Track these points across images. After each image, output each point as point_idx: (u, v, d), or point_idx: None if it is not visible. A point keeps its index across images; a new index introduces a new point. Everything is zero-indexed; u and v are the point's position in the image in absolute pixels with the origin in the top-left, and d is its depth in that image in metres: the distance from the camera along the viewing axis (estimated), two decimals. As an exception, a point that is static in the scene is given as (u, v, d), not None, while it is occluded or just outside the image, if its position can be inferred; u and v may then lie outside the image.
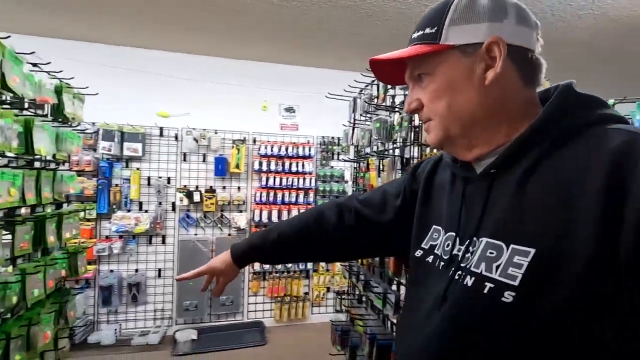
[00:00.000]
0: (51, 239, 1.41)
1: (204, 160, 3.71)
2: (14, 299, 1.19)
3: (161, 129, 3.61)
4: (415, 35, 0.57)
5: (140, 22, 3.03)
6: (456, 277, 0.54)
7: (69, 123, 1.66)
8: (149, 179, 3.56)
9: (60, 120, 1.58)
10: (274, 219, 3.72)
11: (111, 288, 3.39)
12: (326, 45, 3.40)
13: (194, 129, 3.61)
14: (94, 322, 3.40)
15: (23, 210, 1.46)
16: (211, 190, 3.69)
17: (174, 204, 3.62)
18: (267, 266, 3.73)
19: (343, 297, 2.41)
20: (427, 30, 0.55)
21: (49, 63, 1.47)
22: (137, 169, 3.51)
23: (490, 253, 0.50)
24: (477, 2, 0.53)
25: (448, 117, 0.55)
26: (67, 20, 3.00)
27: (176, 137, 3.64)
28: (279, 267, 3.79)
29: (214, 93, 3.76)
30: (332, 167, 4.04)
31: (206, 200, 3.63)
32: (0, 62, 1.08)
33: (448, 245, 0.58)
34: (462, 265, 0.54)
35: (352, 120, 2.41)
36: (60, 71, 1.56)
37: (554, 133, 0.49)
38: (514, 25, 0.52)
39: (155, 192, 3.56)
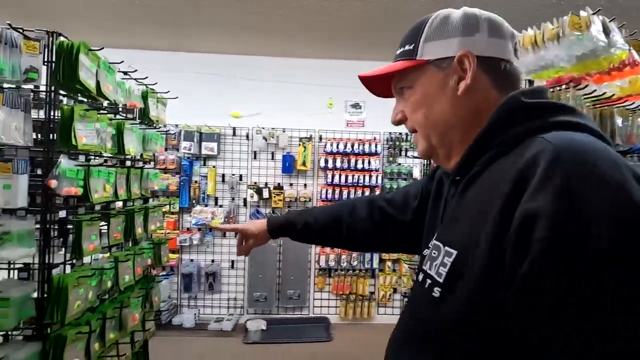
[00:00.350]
0: (139, 230, 1.57)
1: (272, 158, 3.85)
2: (109, 284, 1.35)
3: (234, 128, 3.81)
4: (397, 52, 0.61)
5: (213, 30, 3.23)
6: (420, 277, 0.58)
7: (154, 125, 1.82)
8: (223, 176, 3.80)
9: (146, 122, 1.74)
10: (340, 216, 3.72)
11: (191, 276, 3.69)
12: (394, 38, 3.28)
13: (263, 128, 3.76)
14: (177, 306, 3.74)
15: (119, 204, 1.64)
16: (279, 187, 3.81)
17: (245, 199, 3.81)
18: (332, 263, 3.75)
19: (411, 300, 2.31)
20: (406, 47, 0.59)
21: (136, 71, 1.63)
22: (213, 166, 3.77)
23: (434, 253, 0.54)
24: (449, 19, 0.56)
25: (426, 126, 0.58)
26: (150, 34, 3.33)
27: (247, 136, 3.82)
28: (344, 264, 3.77)
29: (282, 92, 3.86)
30: (399, 164, 3.90)
31: (274, 196, 3.76)
32: (96, 71, 1.22)
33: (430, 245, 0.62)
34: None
35: (421, 115, 2.27)
36: (145, 77, 1.72)
37: (495, 143, 0.50)
38: (487, 38, 0.55)
39: (229, 188, 3.79)
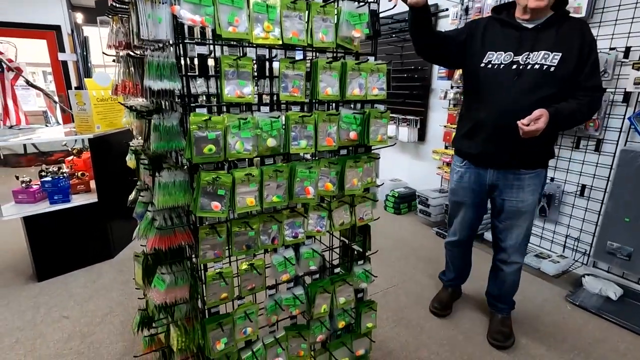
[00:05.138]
0: (328, 91, 1.22)
1: None
2: (271, 142, 1.17)
3: (628, -36, 2.21)
4: None
5: None
6: (528, 67, 1.56)
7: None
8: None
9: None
10: None
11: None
12: None
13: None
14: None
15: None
16: None
17: (626, 92, 2.28)
18: None
19: None
20: None
21: None
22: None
23: (545, 55, 1.54)
24: None
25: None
26: None
27: (656, -27, 2.11)
28: None
29: None
30: None
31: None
32: None
33: (508, 57, 1.60)
34: (527, 61, 1.57)
35: None
36: None
37: (563, 14, 1.59)
38: None
39: (601, 71, 2.39)
